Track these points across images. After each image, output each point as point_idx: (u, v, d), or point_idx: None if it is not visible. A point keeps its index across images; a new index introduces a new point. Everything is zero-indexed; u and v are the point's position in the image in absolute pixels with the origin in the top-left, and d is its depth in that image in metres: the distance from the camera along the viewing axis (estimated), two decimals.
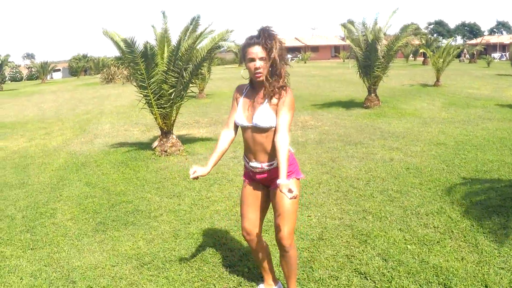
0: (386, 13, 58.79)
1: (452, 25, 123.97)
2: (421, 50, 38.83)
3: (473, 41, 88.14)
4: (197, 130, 13.64)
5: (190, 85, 10.38)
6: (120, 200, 7.09)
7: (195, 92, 21.90)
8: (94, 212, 6.63)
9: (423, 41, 50.92)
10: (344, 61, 66.47)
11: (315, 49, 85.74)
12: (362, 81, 16.78)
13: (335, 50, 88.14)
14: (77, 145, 12.10)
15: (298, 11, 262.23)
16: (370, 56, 15.66)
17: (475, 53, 62.06)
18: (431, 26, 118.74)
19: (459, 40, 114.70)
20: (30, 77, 73.58)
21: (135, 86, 10.20)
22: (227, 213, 6.23)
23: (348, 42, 16.61)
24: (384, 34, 15.50)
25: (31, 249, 5.42)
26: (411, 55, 62.91)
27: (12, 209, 6.97)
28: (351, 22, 16.49)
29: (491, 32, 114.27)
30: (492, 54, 70.27)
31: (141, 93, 9.81)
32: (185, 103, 10.96)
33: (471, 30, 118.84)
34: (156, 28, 10.00)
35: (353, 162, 8.79)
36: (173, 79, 9.42)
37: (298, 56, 75.17)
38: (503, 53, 72.74)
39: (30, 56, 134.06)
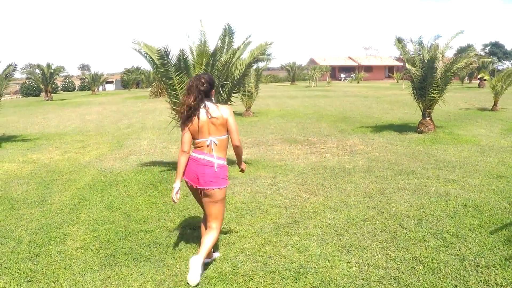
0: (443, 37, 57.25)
1: (508, 47, 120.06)
2: (480, 75, 36.96)
3: None
4: None
5: (233, 102, 9.53)
6: (139, 229, 6.34)
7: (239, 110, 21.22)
8: (107, 241, 5.90)
9: (480, 63, 49.15)
10: (398, 82, 64.90)
11: (368, 69, 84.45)
12: (417, 103, 15.68)
13: (389, 71, 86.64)
14: (109, 161, 11.52)
15: (352, 30, 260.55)
16: (426, 77, 14.58)
17: None
18: (488, 48, 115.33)
19: None
20: (83, 88, 75.08)
21: (168, 102, 9.48)
22: (254, 253, 5.36)
23: (403, 57, 15.57)
24: (442, 55, 14.45)
25: (27, 281, 4.79)
26: (467, 78, 60.72)
27: (22, 231, 6.36)
28: (407, 40, 15.50)
29: None
30: None
31: (173, 110, 9.05)
32: None
33: None
34: (191, 39, 9.11)
35: (404, 196, 7.79)
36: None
37: (352, 75, 73.95)
38: None
39: (85, 67, 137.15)
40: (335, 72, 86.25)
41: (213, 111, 4.61)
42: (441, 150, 12.14)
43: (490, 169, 9.76)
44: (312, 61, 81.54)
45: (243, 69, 8.58)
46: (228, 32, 8.53)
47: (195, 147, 4.74)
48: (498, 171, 9.59)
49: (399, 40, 15.50)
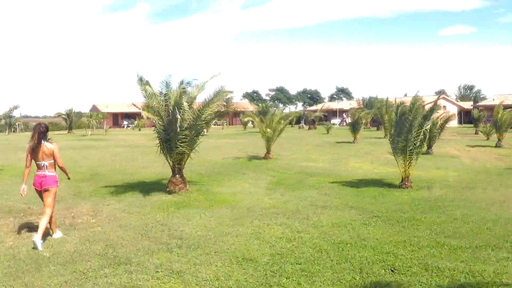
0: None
1: (293, 91, 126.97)
2: (246, 118, 35.99)
3: (314, 107, 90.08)
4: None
5: None
6: None
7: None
8: None
9: (263, 107, 49.35)
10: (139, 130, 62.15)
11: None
12: (166, 159, 12.77)
13: None
14: None
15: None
16: (171, 126, 11.80)
17: (314, 119, 62.10)
18: (273, 93, 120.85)
19: (300, 107, 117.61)
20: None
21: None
22: None
23: (146, 101, 12.71)
24: (191, 101, 11.91)
25: None
26: (250, 123, 60.26)
27: None
28: (148, 83, 12.51)
29: (332, 98, 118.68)
30: (332, 120, 71.62)
31: None
32: None
33: (312, 97, 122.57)
34: None
35: None
36: None
37: (134, 122, 69.46)
38: (343, 119, 74.33)
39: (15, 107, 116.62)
40: (118, 119, 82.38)
41: (46, 146, 7.82)
42: (184, 219, 9.35)
43: (237, 248, 7.29)
44: (94, 108, 76.57)
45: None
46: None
47: (37, 167, 7.87)
48: (247, 250, 7.16)
49: (141, 80, 12.55)
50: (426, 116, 13.19)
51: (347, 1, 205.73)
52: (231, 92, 13.12)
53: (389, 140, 13.98)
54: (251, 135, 43.03)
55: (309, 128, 58.15)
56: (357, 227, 8.62)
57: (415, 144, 12.94)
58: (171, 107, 11.81)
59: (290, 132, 47.02)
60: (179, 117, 11.37)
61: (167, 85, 12.32)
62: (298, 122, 68.44)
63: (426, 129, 13.14)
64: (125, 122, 78.88)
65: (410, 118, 12.61)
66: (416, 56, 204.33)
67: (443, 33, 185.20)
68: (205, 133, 17.26)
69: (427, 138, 22.52)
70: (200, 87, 12.66)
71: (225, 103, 12.79)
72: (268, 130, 20.59)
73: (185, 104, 11.72)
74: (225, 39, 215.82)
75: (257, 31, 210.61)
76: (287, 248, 7.27)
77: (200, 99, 12.85)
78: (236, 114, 34.37)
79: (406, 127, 12.69)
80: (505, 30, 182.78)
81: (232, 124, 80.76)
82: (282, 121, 21.42)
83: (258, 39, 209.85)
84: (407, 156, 12.97)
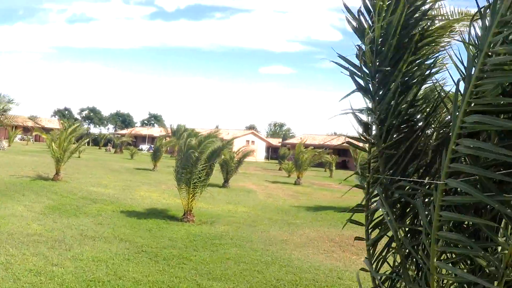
0: None
1: (107, 113, 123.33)
2: (37, 134, 33.91)
3: (124, 131, 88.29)
4: None
5: None
6: None
7: None
8: None
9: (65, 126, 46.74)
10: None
11: None
12: None
13: None
14: None
15: None
16: None
17: (122, 143, 60.78)
18: (85, 113, 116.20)
19: (111, 129, 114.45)
20: None
21: None
22: None
23: None
24: None
25: None
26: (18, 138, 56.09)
27: None
28: None
29: (143, 123, 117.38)
30: (141, 146, 70.82)
31: None
32: None
33: (124, 120, 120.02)
34: None
35: None
36: None
37: None
38: (152, 145, 73.66)
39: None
40: None
41: None
42: None
43: None
44: None
45: None
46: None
47: None
48: None
49: None
50: (215, 151, 13.20)
51: (174, 30, 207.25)
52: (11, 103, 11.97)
53: (174, 170, 13.63)
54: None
55: (116, 152, 56.68)
56: (119, 262, 8.13)
57: (199, 178, 12.83)
58: None
59: (94, 154, 45.30)
60: None
61: None
62: (106, 144, 67.13)
63: (213, 163, 13.14)
64: None
65: (197, 151, 12.50)
66: (236, 90, 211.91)
67: (263, 71, 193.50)
68: None
69: (226, 172, 23.17)
70: None
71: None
72: (56, 149, 19.19)
73: None
74: (46, 52, 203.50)
75: (81, 48, 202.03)
76: (32, 283, 6.60)
77: None
78: (46, 130, 32.03)
79: (192, 159, 12.54)
80: (322, 74, 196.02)
81: (38, 141, 75.73)
82: (73, 140, 20.10)
83: (79, 55, 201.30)
84: (191, 189, 12.81)
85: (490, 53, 2.68)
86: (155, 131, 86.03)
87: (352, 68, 3.59)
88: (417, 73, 3.67)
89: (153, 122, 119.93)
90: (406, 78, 3.58)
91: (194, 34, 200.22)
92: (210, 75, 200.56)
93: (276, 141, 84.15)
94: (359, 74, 3.59)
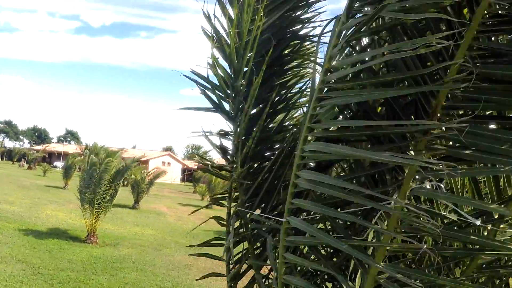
0: None
1: (24, 127, 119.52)
2: None
3: (40, 147, 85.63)
4: None
5: None
6: None
7: None
8: None
9: None
10: None
11: None
12: None
13: None
14: None
15: None
16: None
17: (36, 159, 59.09)
18: (0, 126, 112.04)
19: (27, 144, 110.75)
20: None
21: None
22: None
23: None
24: None
25: None
26: None
27: None
28: None
29: (60, 140, 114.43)
30: (55, 162, 69.06)
31: None
32: None
33: (40, 135, 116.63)
34: None
35: None
36: None
37: None
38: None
39: None
40: None
41: None
42: None
43: None
44: None
45: None
46: None
47: None
48: None
49: None
50: (119, 171, 13.45)
51: (99, 46, 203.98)
52: None
53: (77, 190, 13.71)
54: None
55: (29, 168, 54.98)
56: (12, 285, 8.26)
57: (104, 198, 13.02)
58: None
59: (7, 169, 43.92)
60: None
61: None
62: (19, 160, 65.09)
63: (117, 184, 13.36)
64: None
65: (99, 169, 12.70)
66: (157, 111, 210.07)
67: (184, 93, 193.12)
68: None
69: (136, 194, 23.22)
70: None
71: None
72: None
73: None
74: None
75: (0, 58, 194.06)
76: None
77: None
78: None
79: (95, 178, 12.74)
80: None
81: None
82: None
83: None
84: (95, 210, 12.96)
85: (332, 70, 2.27)
86: (71, 148, 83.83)
87: (206, 84, 3.07)
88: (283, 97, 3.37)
89: (69, 138, 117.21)
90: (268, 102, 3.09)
91: (118, 52, 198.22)
92: (133, 94, 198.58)
93: (192, 164, 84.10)
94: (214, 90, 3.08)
